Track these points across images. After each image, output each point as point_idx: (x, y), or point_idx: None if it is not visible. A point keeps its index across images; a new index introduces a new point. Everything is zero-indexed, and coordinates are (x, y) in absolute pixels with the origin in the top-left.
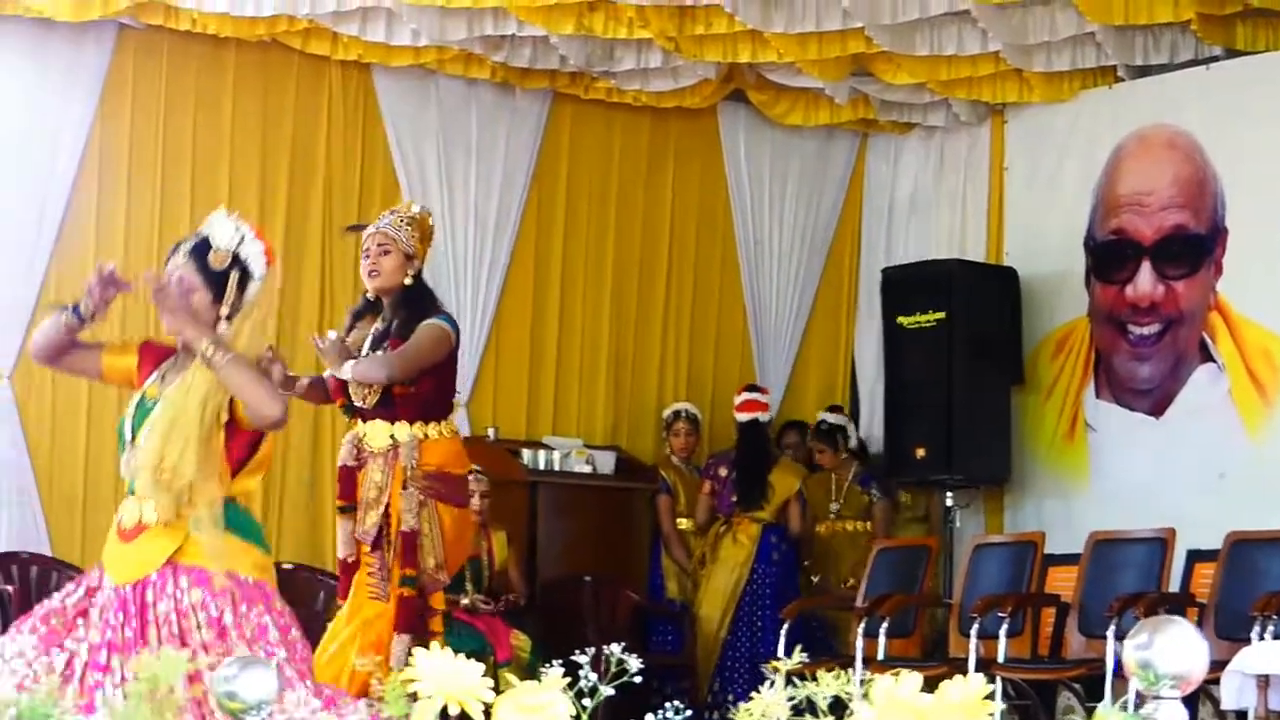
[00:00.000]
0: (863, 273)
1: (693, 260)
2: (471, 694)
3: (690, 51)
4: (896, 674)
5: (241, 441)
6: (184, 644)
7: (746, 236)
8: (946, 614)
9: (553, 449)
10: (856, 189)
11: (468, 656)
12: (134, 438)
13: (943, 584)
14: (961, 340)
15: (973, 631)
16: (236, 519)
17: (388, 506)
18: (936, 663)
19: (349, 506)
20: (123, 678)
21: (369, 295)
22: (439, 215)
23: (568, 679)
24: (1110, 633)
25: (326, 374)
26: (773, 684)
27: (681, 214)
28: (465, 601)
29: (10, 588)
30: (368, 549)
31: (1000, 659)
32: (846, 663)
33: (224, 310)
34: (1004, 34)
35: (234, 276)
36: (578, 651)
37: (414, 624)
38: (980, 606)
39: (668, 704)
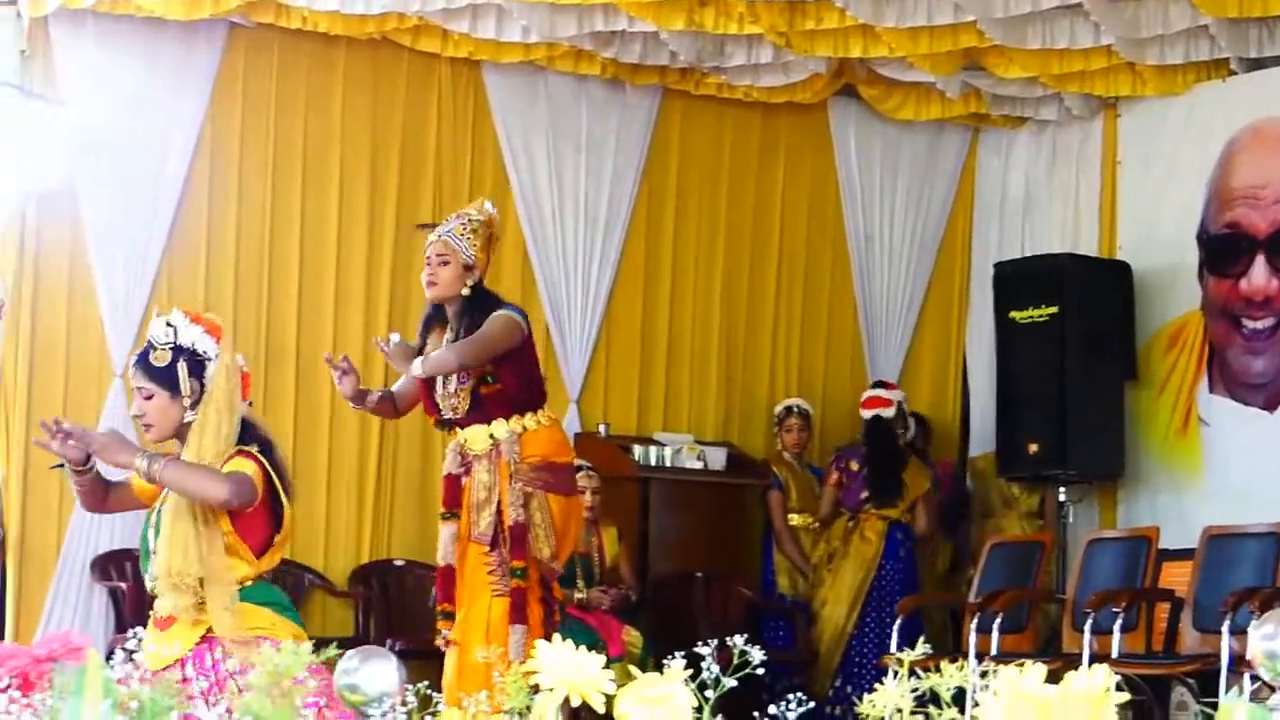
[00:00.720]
0: (974, 268)
1: (803, 255)
2: (593, 686)
3: (801, 46)
4: (1021, 665)
5: (259, 521)
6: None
7: (857, 232)
8: (1060, 609)
9: (664, 445)
10: (968, 184)
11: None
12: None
13: (1056, 579)
14: (1074, 335)
15: (1087, 626)
16: (268, 595)
17: (499, 504)
18: (1050, 658)
19: (451, 514)
20: None
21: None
22: (549, 212)
23: (689, 670)
24: (1225, 628)
25: (396, 387)
26: (896, 676)
27: (792, 209)
28: (579, 596)
29: (124, 584)
30: (486, 549)
31: (1114, 654)
32: (959, 658)
33: (186, 402)
34: (1117, 27)
35: (182, 368)
36: (690, 648)
37: (524, 614)
38: (1094, 601)
39: (790, 695)
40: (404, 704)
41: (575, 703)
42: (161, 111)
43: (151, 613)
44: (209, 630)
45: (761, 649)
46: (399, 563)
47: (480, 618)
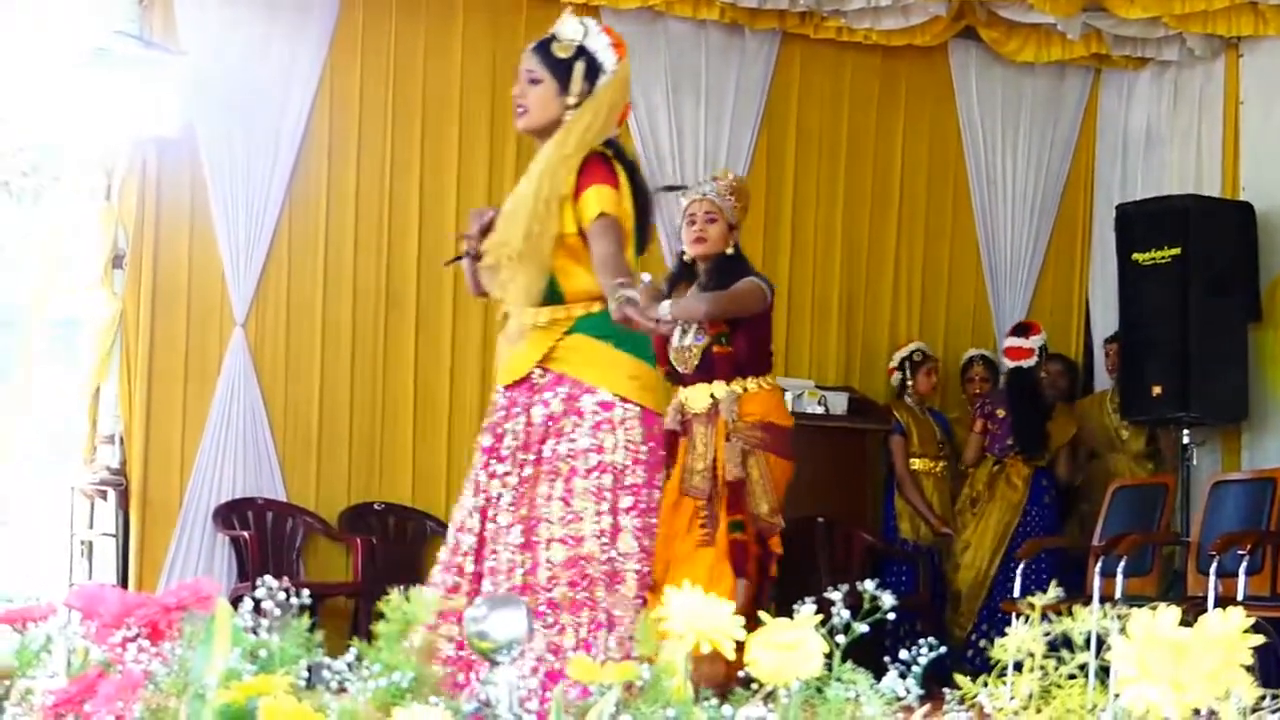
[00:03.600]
0: (1097, 210)
1: (924, 200)
2: (723, 632)
3: None
4: (1154, 608)
5: None
6: (543, 442)
7: (979, 175)
8: (1184, 552)
9: (785, 390)
10: (1089, 126)
11: None
12: None
13: (1180, 522)
14: (1197, 276)
15: (1211, 569)
16: (612, 325)
17: (714, 460)
18: (1174, 601)
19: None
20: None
21: (685, 258)
22: (668, 157)
23: (820, 616)
24: None
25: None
26: (1027, 620)
27: (912, 153)
28: None
29: (246, 533)
30: (702, 503)
31: (1239, 597)
32: (1086, 602)
33: (570, 100)
34: None
35: (579, 67)
36: (812, 593)
37: (746, 567)
38: (1219, 544)
39: (921, 640)
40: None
41: (705, 649)
42: (281, 61)
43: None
44: (550, 357)
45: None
46: None
47: (681, 568)
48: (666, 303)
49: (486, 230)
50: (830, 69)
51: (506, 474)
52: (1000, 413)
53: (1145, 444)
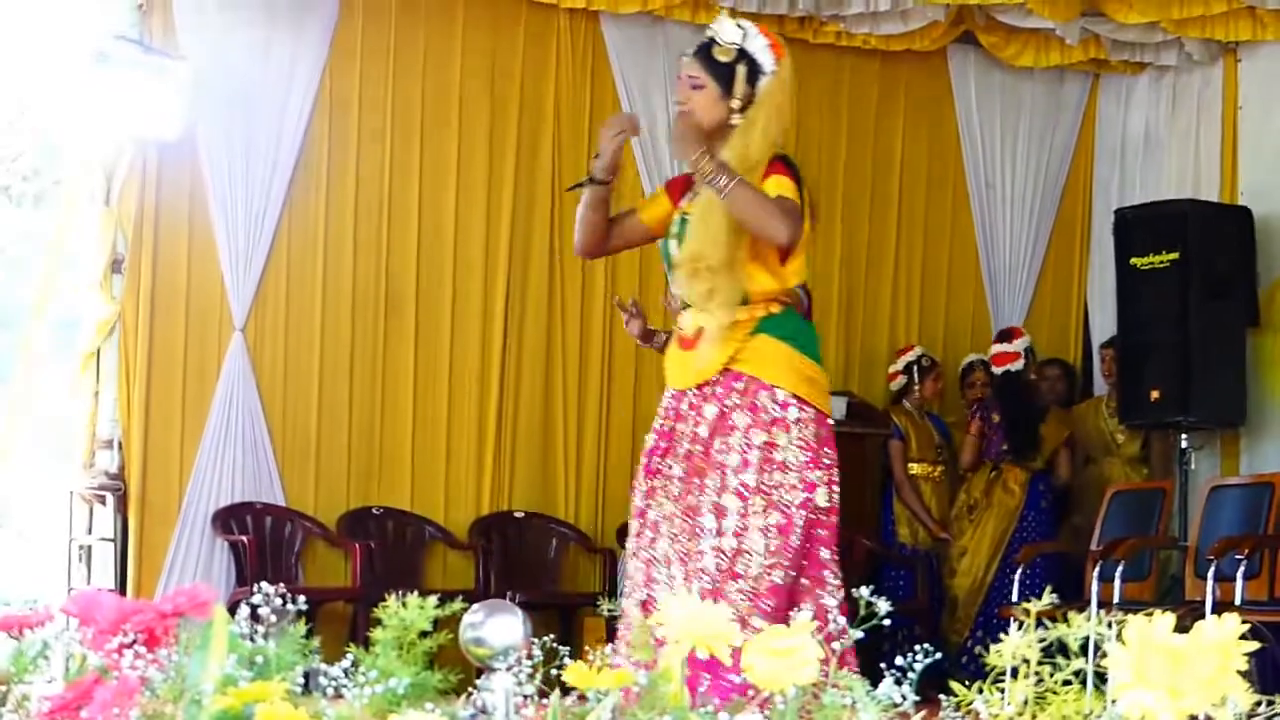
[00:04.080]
0: (1096, 214)
1: (923, 203)
2: (719, 638)
3: None
4: (1150, 614)
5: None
6: (715, 437)
7: (978, 179)
8: (1181, 557)
9: None
10: (1088, 130)
11: None
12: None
13: (1178, 527)
14: (1196, 281)
15: (1210, 574)
16: (791, 326)
17: None
18: (1172, 606)
19: None
20: (666, 478)
21: None
22: (667, 162)
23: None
24: None
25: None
26: (1021, 626)
27: (912, 157)
28: None
29: (245, 538)
30: None
31: (1237, 601)
32: (1084, 607)
33: (734, 104)
34: None
35: (741, 70)
36: None
37: None
38: (1217, 549)
39: (915, 645)
40: (530, 657)
41: (702, 655)
42: (281, 66)
43: (678, 330)
44: (734, 359)
45: (883, 599)
46: (519, 514)
47: None
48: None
49: (614, 167)
50: (829, 74)
51: (680, 474)
52: (995, 418)
53: (1140, 448)
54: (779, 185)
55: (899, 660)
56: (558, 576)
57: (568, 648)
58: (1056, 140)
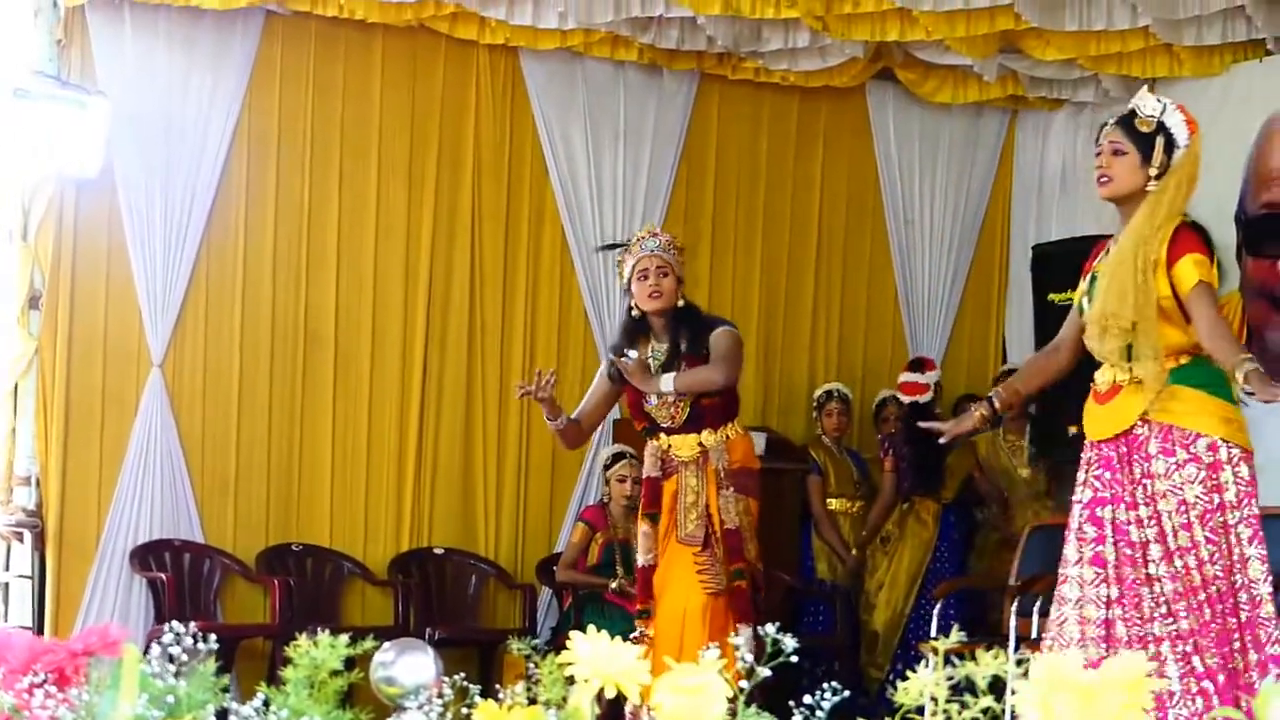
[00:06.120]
0: (1014, 250)
1: (842, 239)
2: (628, 676)
3: (838, 30)
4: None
5: None
6: (1154, 487)
7: (896, 215)
8: None
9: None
10: (1006, 166)
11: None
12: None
13: None
14: None
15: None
16: (1201, 375)
17: (707, 507)
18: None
19: (655, 514)
20: (1113, 527)
21: (635, 314)
22: (586, 198)
23: (723, 660)
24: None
25: (576, 413)
26: (928, 663)
27: (831, 193)
28: (614, 585)
29: (164, 575)
30: (697, 549)
31: None
32: (1002, 643)
33: (1152, 171)
34: (1153, 8)
35: (1159, 141)
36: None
37: (750, 612)
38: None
39: (824, 685)
40: (440, 696)
41: (610, 693)
42: (199, 100)
43: (1093, 386)
44: (1145, 413)
45: (800, 635)
46: (439, 551)
47: (675, 615)
48: (668, 377)
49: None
50: (748, 110)
51: (1127, 524)
52: (906, 450)
53: (1046, 483)
54: (1197, 266)
55: (806, 699)
56: (477, 613)
57: (479, 686)
58: (975, 176)
